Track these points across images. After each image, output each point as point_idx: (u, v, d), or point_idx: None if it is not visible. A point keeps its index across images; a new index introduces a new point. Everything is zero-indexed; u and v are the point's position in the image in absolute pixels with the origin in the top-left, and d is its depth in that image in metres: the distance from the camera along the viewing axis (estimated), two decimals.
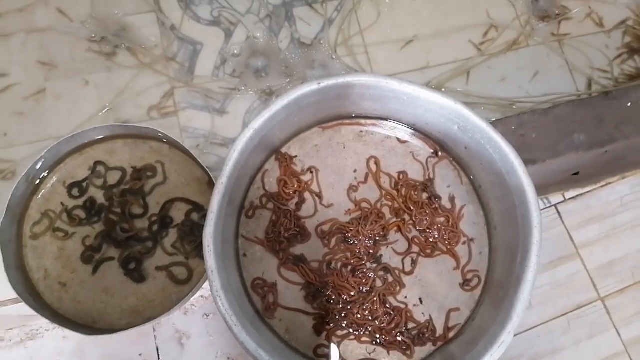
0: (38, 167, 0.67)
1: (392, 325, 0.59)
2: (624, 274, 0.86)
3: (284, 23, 0.94)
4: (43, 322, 0.72)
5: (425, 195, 0.63)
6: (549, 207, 0.88)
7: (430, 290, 0.61)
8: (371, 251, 0.61)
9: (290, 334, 0.58)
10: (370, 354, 0.58)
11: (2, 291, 0.67)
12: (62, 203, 0.69)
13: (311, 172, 0.64)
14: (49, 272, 0.66)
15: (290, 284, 0.60)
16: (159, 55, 0.89)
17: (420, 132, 0.65)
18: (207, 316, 0.75)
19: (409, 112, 0.62)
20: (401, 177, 0.64)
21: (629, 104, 0.80)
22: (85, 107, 0.85)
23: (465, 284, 0.61)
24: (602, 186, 0.90)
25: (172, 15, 0.92)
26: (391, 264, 0.61)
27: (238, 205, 0.61)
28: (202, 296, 0.75)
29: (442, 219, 0.63)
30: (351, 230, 0.61)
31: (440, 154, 0.65)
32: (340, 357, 0.58)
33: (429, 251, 0.62)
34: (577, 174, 0.83)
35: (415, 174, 0.65)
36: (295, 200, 0.63)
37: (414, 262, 0.61)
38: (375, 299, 0.59)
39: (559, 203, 0.88)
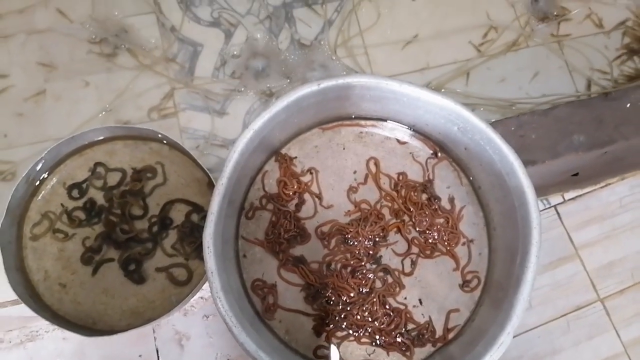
0: (38, 168, 0.67)
1: (392, 326, 0.59)
2: (623, 275, 0.86)
3: (284, 24, 0.94)
4: (43, 324, 0.72)
5: (424, 196, 0.63)
6: (549, 208, 0.88)
7: (430, 291, 0.61)
8: (371, 252, 0.61)
9: (290, 335, 0.58)
10: (369, 355, 0.58)
11: (2, 292, 0.67)
12: (62, 204, 0.69)
13: (311, 173, 0.64)
14: (49, 273, 0.66)
15: (290, 285, 0.60)
16: (159, 57, 0.89)
17: (420, 133, 0.65)
18: (207, 317, 0.75)
19: (409, 113, 0.62)
20: (401, 178, 0.64)
21: (629, 105, 0.80)
22: (85, 108, 0.85)
23: (464, 284, 0.61)
24: (601, 187, 0.90)
25: (172, 16, 0.92)
26: (391, 265, 0.61)
27: (238, 207, 0.61)
28: (202, 297, 0.75)
29: (441, 220, 0.63)
30: (351, 231, 0.61)
31: (439, 154, 0.65)
32: (340, 358, 0.58)
33: (428, 252, 0.62)
34: (576, 174, 0.83)
35: (415, 174, 0.65)
36: (295, 201, 0.63)
37: (413, 263, 0.61)
38: (374, 300, 0.59)
39: (558, 204, 0.88)
